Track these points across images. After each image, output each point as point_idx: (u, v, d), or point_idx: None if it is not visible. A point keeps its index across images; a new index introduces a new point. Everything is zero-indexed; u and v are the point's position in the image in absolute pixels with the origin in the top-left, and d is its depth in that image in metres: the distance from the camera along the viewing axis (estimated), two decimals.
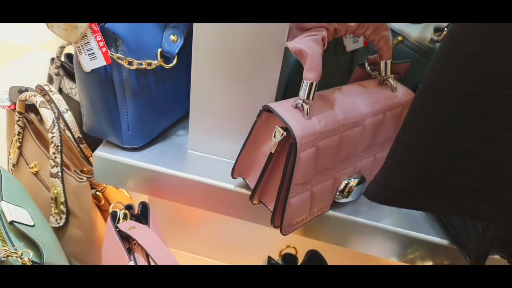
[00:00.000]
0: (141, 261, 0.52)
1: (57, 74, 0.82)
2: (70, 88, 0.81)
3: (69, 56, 0.85)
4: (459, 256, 0.52)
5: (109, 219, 0.57)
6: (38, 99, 0.60)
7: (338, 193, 0.52)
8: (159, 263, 0.50)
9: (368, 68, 0.56)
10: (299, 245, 0.71)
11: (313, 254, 0.69)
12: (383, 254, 0.56)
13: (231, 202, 0.55)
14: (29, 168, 0.65)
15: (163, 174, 0.55)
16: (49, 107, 0.61)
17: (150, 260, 0.52)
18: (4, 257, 0.44)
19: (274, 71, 0.50)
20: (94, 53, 0.48)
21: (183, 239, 0.98)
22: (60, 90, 0.83)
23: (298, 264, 0.70)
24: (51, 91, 0.64)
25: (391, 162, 0.42)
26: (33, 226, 0.52)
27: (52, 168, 0.61)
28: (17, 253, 0.46)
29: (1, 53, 1.69)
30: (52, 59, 0.83)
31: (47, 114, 0.60)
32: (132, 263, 0.51)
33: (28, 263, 0.46)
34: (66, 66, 0.83)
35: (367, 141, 0.52)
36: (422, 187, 0.40)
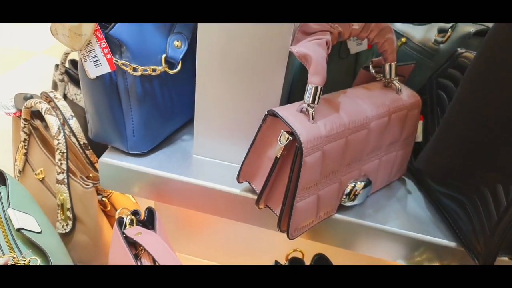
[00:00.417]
0: None
1: (62, 80, 0.83)
2: (75, 94, 0.81)
3: (74, 62, 0.86)
4: (466, 257, 0.51)
5: (115, 225, 0.57)
6: (43, 106, 0.61)
7: (344, 197, 0.52)
8: None
9: (373, 70, 0.56)
10: (306, 248, 0.71)
11: (320, 258, 0.69)
12: (389, 257, 0.55)
13: (237, 206, 0.55)
14: (35, 174, 0.65)
15: (169, 179, 0.55)
16: (54, 113, 0.61)
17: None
18: (12, 264, 0.44)
19: (279, 76, 0.50)
20: (99, 60, 0.48)
21: (190, 243, 0.98)
22: (65, 96, 0.83)
23: None
24: (56, 98, 0.65)
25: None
26: (40, 233, 0.52)
27: (58, 174, 0.61)
28: (24, 260, 0.46)
29: (6, 58, 1.70)
30: (57, 65, 0.83)
31: (53, 121, 0.60)
32: None
33: None
34: (71, 72, 0.84)
35: (373, 144, 0.52)
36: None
